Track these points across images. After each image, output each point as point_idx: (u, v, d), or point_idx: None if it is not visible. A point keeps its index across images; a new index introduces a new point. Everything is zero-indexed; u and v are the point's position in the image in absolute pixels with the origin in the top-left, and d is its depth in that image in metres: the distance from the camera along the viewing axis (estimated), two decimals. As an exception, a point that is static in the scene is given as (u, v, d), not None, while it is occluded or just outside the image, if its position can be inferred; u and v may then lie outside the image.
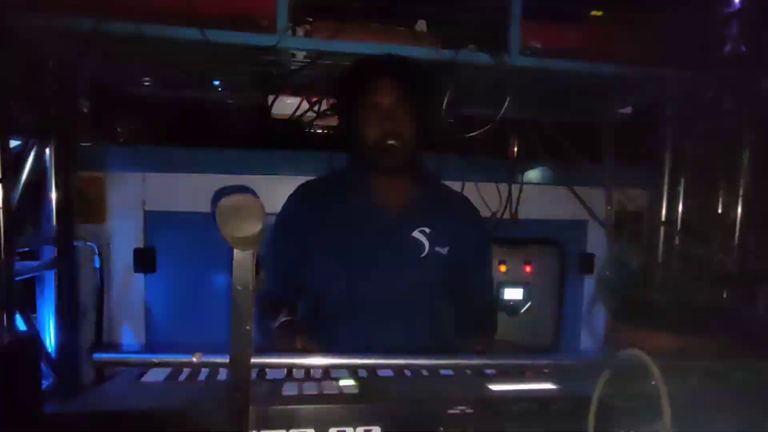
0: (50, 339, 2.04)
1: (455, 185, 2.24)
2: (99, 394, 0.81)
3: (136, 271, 2.21)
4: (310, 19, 1.57)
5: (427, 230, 1.50)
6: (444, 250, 1.51)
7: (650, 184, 2.64)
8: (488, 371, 1.02)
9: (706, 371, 0.94)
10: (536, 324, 2.57)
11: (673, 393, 0.78)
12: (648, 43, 1.77)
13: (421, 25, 1.67)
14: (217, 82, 2.14)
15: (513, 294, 2.46)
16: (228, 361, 0.67)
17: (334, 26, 1.55)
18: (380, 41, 1.60)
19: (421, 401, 0.81)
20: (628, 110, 2.39)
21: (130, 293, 2.22)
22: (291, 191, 1.60)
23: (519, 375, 1.00)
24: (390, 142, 1.40)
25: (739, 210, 2.15)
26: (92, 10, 1.36)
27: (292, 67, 1.72)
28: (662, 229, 2.58)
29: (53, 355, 2.04)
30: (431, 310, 1.57)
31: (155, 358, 0.69)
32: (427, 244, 1.49)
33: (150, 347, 2.25)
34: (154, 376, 0.96)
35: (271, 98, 2.09)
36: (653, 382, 0.76)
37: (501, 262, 2.46)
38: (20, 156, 1.76)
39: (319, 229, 1.50)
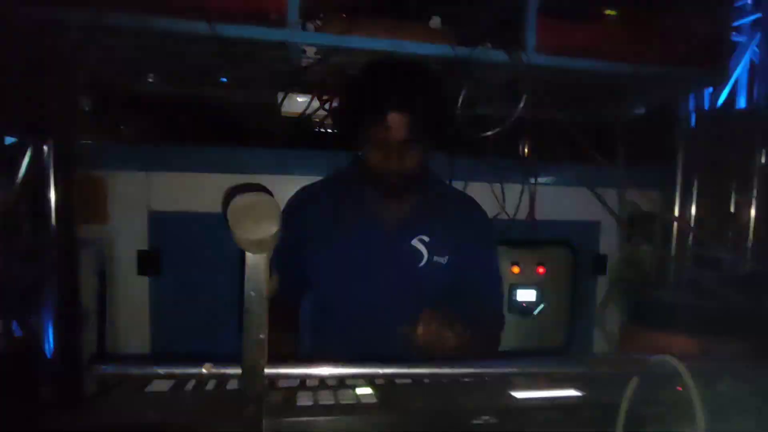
0: (50, 346, 2.00)
1: (467, 186, 2.20)
2: (101, 405, 0.76)
3: (140, 273, 2.16)
4: (322, 14, 1.53)
5: (426, 239, 1.46)
6: (443, 260, 1.47)
7: (664, 185, 2.60)
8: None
9: (732, 374, 0.89)
10: (549, 325, 2.54)
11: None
12: (663, 41, 1.74)
13: (436, 22, 1.63)
14: (225, 79, 2.10)
15: (526, 295, 2.43)
16: (240, 372, 0.63)
17: (346, 22, 1.51)
18: (393, 37, 1.56)
19: (444, 411, 0.76)
20: (642, 110, 2.36)
21: (133, 297, 2.17)
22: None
23: (542, 380, 0.95)
24: (395, 175, 1.34)
25: (753, 211, 2.11)
26: (97, 1, 1.31)
27: (303, 64, 1.68)
28: (676, 230, 2.54)
29: (53, 362, 2.00)
30: None
31: (162, 370, 0.64)
32: (425, 253, 1.46)
33: (155, 352, 2.20)
34: (160, 385, 0.92)
35: (281, 96, 2.05)
36: (681, 389, 0.72)
37: (514, 264, 2.42)
38: (16, 155, 1.72)
39: (316, 236, 1.47)
